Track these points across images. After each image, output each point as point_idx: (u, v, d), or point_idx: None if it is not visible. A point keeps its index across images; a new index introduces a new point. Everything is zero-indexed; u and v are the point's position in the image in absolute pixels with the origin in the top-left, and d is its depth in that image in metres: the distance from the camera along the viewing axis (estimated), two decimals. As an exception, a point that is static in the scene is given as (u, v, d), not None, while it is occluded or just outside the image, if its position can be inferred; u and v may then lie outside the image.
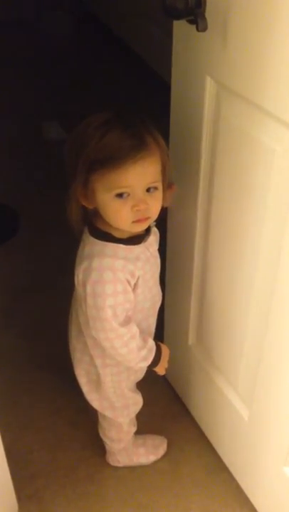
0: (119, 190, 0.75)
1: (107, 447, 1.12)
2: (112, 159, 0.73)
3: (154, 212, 0.80)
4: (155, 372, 0.94)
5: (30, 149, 2.06)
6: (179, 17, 0.75)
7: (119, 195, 0.76)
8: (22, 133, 2.14)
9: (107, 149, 0.73)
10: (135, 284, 0.83)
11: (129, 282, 0.81)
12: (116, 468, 1.14)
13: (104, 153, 0.73)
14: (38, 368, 1.33)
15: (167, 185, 0.95)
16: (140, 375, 0.99)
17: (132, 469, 1.14)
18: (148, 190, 0.77)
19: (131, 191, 0.76)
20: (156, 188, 0.78)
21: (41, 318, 1.46)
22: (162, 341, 1.17)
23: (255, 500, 1.06)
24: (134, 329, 0.85)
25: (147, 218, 0.79)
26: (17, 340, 1.40)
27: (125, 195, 0.76)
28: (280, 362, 0.85)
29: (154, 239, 0.88)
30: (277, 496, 0.98)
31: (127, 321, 0.83)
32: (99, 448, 1.16)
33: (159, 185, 0.79)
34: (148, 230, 0.86)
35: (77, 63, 2.67)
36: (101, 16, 2.82)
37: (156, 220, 0.86)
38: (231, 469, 1.11)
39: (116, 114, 0.77)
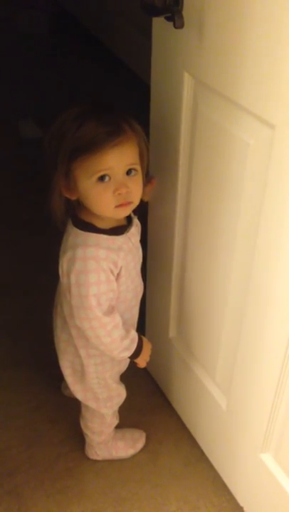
0: (99, 174, 0.77)
1: (87, 440, 1.13)
2: (91, 145, 0.75)
3: (136, 197, 0.81)
4: (136, 364, 0.95)
5: (5, 148, 2.05)
6: (156, 14, 0.78)
7: (101, 179, 0.77)
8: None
9: (85, 137, 0.75)
10: (118, 274, 0.85)
11: (112, 272, 0.83)
12: (94, 461, 1.15)
13: (83, 140, 0.75)
14: (17, 365, 1.33)
15: (148, 179, 0.97)
16: (124, 367, 1.01)
17: (110, 462, 1.15)
18: (128, 173, 0.79)
19: (111, 174, 0.77)
20: (135, 171, 0.80)
21: (20, 315, 1.45)
22: (144, 334, 1.19)
23: (233, 488, 1.08)
24: (117, 319, 0.86)
25: (129, 203, 0.80)
26: (-4, 337, 1.39)
27: (106, 178, 0.77)
28: (256, 352, 0.87)
29: (136, 230, 0.90)
30: (255, 482, 1.00)
31: (110, 311, 0.85)
32: (78, 443, 1.17)
33: (138, 169, 0.81)
34: (130, 221, 0.88)
35: (54, 62, 2.66)
36: (77, 15, 2.83)
37: (135, 212, 0.88)
38: (210, 458, 1.14)
39: (91, 106, 0.79)
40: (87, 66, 2.60)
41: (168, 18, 0.77)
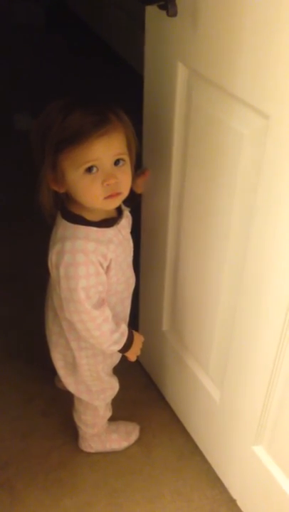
0: (87, 165, 0.76)
1: (80, 432, 1.13)
2: (77, 136, 0.74)
3: (125, 187, 0.80)
4: (126, 357, 0.95)
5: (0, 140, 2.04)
6: (149, 2, 0.76)
7: (88, 170, 0.76)
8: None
9: (70, 128, 0.74)
10: (108, 267, 0.84)
11: (101, 264, 0.82)
12: (88, 454, 1.15)
13: (69, 131, 0.74)
14: (11, 358, 1.33)
15: (141, 170, 0.97)
16: (116, 359, 1.00)
17: (104, 455, 1.15)
18: (116, 163, 0.78)
19: (99, 165, 0.76)
20: (124, 161, 0.79)
21: (14, 307, 1.45)
22: (137, 328, 1.19)
23: (227, 480, 1.08)
24: (107, 312, 0.85)
25: (119, 194, 0.79)
26: (-11, 330, 1.39)
27: (94, 169, 0.76)
28: (249, 345, 0.87)
29: (126, 222, 0.89)
30: (247, 474, 1.00)
31: (100, 304, 0.84)
32: (71, 436, 1.17)
33: (126, 158, 0.79)
34: (120, 213, 0.87)
35: (50, 54, 2.65)
36: (73, 7, 2.81)
37: (126, 202, 0.87)
38: (204, 451, 1.14)
39: (77, 97, 0.78)
40: (83, 58, 2.59)
41: (161, 7, 0.76)
